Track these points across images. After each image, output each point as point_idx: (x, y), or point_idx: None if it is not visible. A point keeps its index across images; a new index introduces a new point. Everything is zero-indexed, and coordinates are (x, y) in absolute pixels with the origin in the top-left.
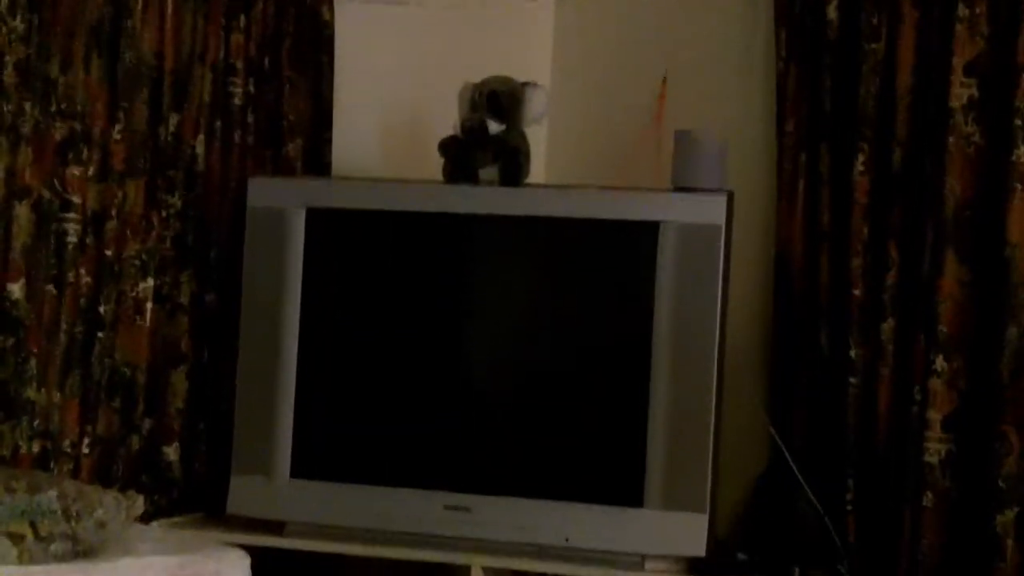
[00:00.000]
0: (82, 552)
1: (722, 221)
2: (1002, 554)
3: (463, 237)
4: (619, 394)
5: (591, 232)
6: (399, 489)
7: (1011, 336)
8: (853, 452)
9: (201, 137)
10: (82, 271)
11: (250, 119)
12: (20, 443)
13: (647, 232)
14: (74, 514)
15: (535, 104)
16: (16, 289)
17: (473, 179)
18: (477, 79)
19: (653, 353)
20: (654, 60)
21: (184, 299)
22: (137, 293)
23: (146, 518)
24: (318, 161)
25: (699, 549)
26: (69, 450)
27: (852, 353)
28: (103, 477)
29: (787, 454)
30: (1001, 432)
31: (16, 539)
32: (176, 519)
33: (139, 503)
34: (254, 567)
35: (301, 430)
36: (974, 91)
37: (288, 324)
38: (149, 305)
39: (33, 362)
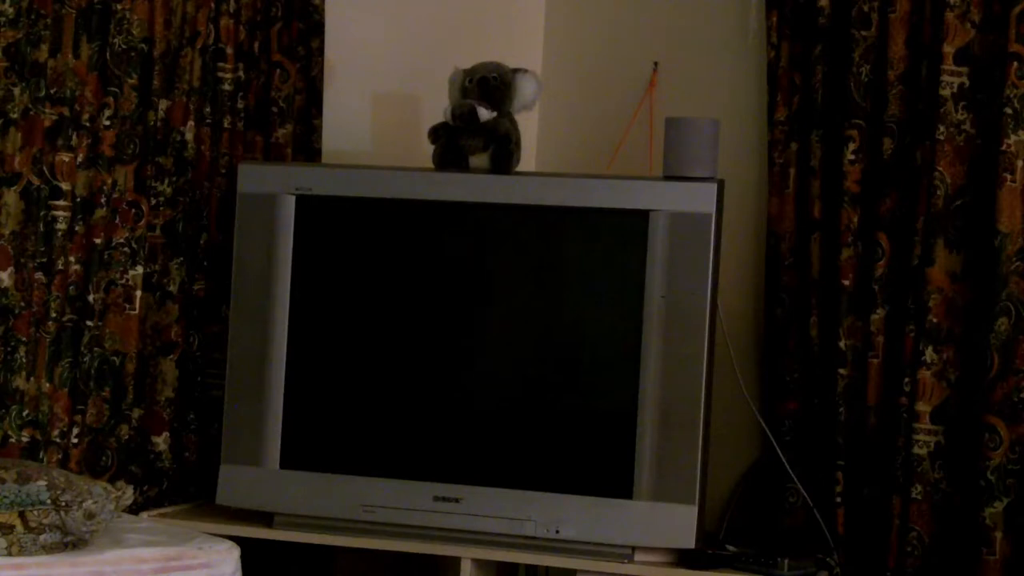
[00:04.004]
0: (71, 543)
1: (713, 210)
2: (991, 546)
3: (453, 224)
4: (609, 385)
5: (582, 220)
6: (389, 480)
7: (1001, 327)
8: (842, 444)
9: (191, 123)
10: (71, 259)
11: (240, 104)
12: (9, 432)
13: (637, 220)
14: (63, 504)
15: (526, 91)
16: (5, 277)
17: (463, 166)
18: (468, 65)
19: (643, 343)
20: (645, 47)
21: (174, 287)
22: (126, 281)
23: (135, 509)
24: (308, 147)
25: (688, 541)
26: (58, 440)
27: (842, 344)
28: (92, 467)
29: (776, 446)
30: (990, 424)
31: (5, 530)
32: (165, 510)
33: (128, 493)
34: (244, 558)
35: (291, 420)
36: (965, 79)
37: (278, 311)
38: (138, 293)
39: (22, 351)
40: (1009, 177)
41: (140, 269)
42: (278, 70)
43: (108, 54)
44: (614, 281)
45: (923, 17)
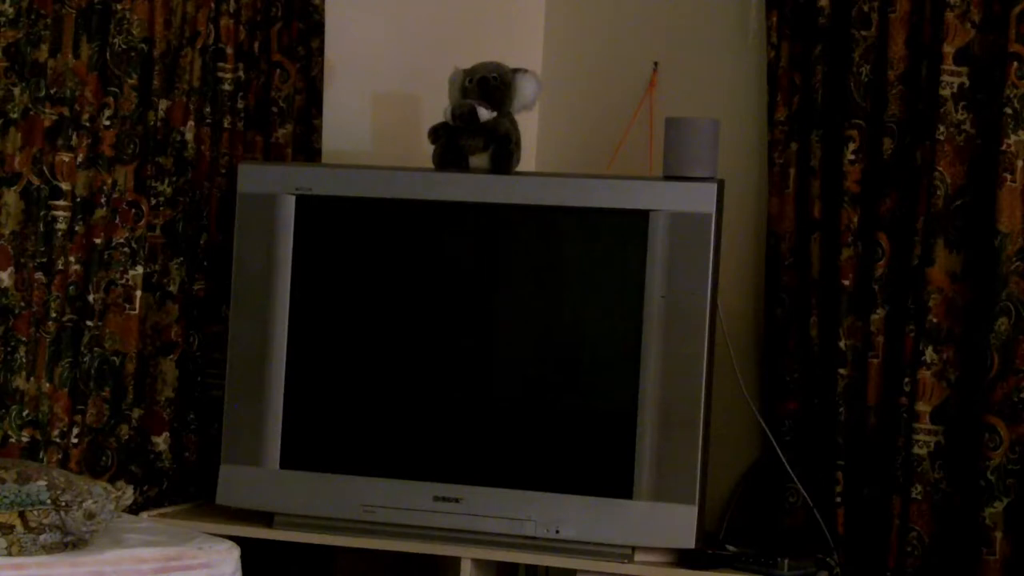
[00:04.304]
0: (71, 543)
1: (713, 210)
2: (991, 546)
3: (453, 224)
4: (609, 385)
5: (582, 220)
6: (389, 480)
7: (1001, 327)
8: (842, 444)
9: (191, 123)
10: (71, 259)
11: (240, 104)
12: (9, 432)
13: (637, 220)
14: (63, 504)
15: (526, 91)
16: (5, 277)
17: (463, 166)
18: (468, 65)
19: (643, 343)
20: (645, 47)
21: (174, 287)
22: (126, 281)
23: (135, 509)
24: (308, 147)
25: (689, 541)
26: (58, 440)
27: (842, 344)
28: (92, 467)
29: (776, 446)
30: (990, 424)
31: (5, 530)
32: (165, 509)
33: (128, 493)
34: (244, 558)
35: (291, 420)
36: (965, 79)
37: (278, 311)
38: (138, 293)
39: (22, 351)
40: (1009, 177)
41: (140, 269)
42: (278, 70)
43: (108, 54)
44: (614, 281)
45: (923, 17)
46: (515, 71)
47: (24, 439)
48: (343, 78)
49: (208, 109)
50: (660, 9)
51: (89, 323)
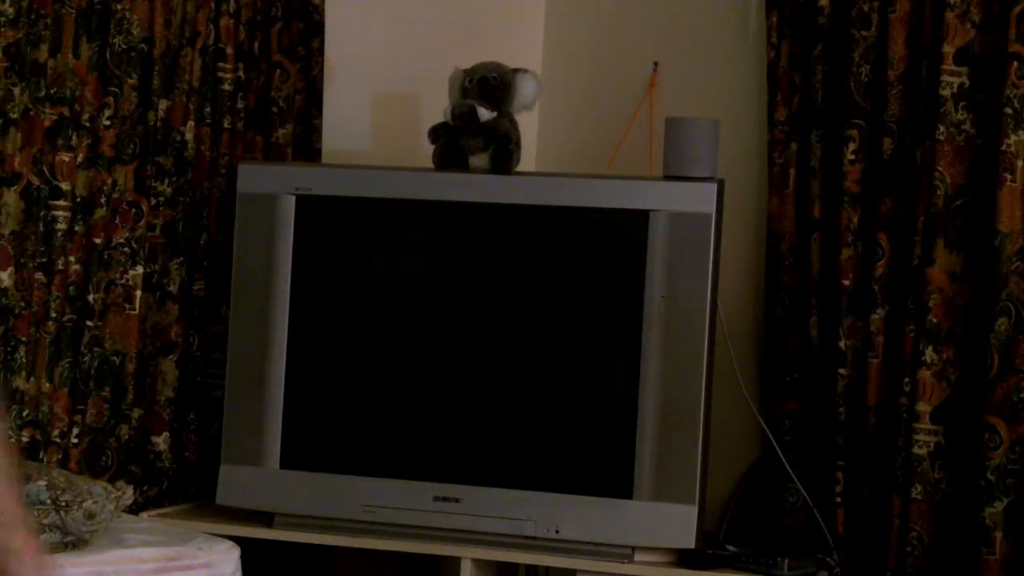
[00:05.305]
0: (71, 543)
1: (713, 209)
2: (991, 546)
3: (453, 224)
4: (609, 384)
5: (582, 220)
6: (389, 480)
7: (1001, 327)
8: (842, 444)
9: (191, 123)
10: (71, 259)
11: (240, 104)
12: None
13: (637, 220)
14: (63, 504)
15: (526, 91)
16: (5, 277)
17: (463, 166)
18: (468, 65)
19: (643, 343)
20: (645, 47)
21: (174, 287)
22: (126, 281)
23: (135, 509)
24: (308, 147)
25: (688, 541)
26: (58, 440)
27: (842, 344)
28: (92, 467)
29: (776, 446)
30: (990, 424)
31: None
32: (166, 510)
33: (128, 493)
34: (244, 558)
35: (291, 420)
36: (965, 79)
37: (278, 312)
38: (138, 293)
39: (22, 351)
40: (1009, 177)
41: (140, 269)
42: (278, 70)
43: (108, 54)
44: (614, 281)
45: (923, 17)
46: (515, 71)
47: (24, 439)
48: (343, 78)
49: (208, 109)
50: (660, 9)
51: (89, 323)
